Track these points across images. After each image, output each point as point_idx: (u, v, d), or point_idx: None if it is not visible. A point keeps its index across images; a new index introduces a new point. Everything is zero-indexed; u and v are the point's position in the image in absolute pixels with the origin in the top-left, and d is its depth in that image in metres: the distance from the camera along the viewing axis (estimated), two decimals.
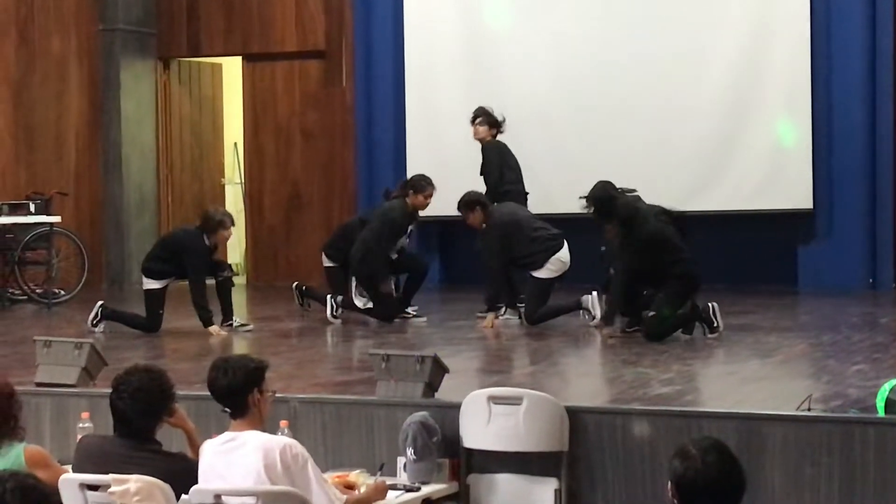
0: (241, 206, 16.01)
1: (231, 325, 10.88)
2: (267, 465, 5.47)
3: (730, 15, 13.62)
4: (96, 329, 10.81)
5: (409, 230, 11.53)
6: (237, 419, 5.62)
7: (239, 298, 13.83)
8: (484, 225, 10.92)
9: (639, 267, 9.84)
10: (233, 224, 11.05)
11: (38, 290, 13.33)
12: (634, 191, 10.21)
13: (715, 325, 9.82)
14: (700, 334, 9.93)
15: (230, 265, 11.52)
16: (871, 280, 13.34)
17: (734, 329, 10.18)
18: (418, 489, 6.46)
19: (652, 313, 9.72)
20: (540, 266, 10.72)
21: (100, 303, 11.08)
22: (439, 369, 7.11)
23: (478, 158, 11.98)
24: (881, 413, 6.36)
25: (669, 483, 4.30)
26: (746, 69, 13.53)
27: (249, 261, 16.00)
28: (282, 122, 15.63)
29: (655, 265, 9.80)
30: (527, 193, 11.86)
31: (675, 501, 4.28)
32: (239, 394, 5.60)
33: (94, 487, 5.45)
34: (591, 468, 6.61)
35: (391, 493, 6.19)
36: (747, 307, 11.68)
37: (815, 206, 13.45)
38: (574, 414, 6.64)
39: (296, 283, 12.54)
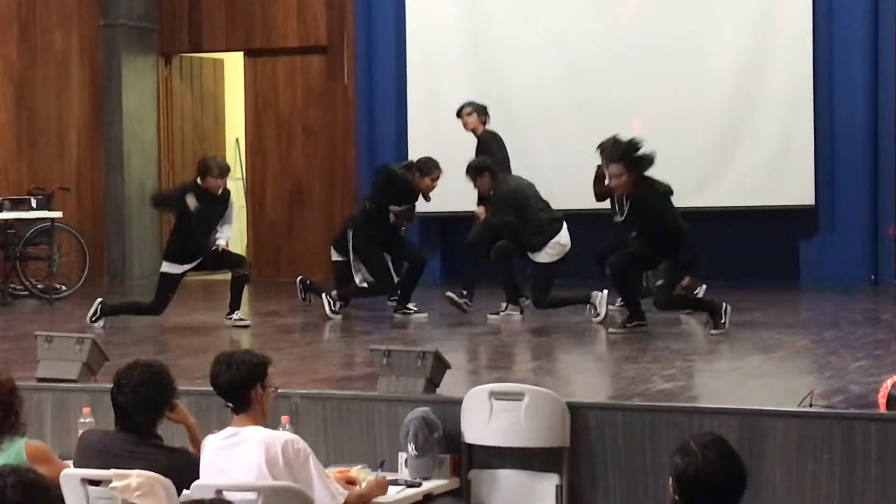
0: (243, 201, 16.01)
1: (230, 318, 10.88)
2: (269, 460, 5.47)
3: (732, 11, 13.61)
4: (96, 325, 10.81)
5: (408, 206, 11.48)
6: (239, 414, 5.63)
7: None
8: (492, 192, 10.93)
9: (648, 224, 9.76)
10: (221, 175, 10.91)
11: (39, 286, 13.33)
12: None
13: (722, 321, 9.80)
14: (702, 327, 9.92)
15: (249, 263, 11.43)
16: (872, 276, 13.33)
17: (736, 325, 10.17)
18: (419, 485, 6.47)
19: (660, 282, 9.79)
20: (539, 249, 10.70)
21: (99, 300, 11.09)
22: (441, 365, 7.11)
23: (475, 154, 11.98)
24: None
25: (670, 479, 4.30)
26: (748, 65, 13.52)
27: (251, 256, 15.99)
28: (283, 117, 15.63)
29: (658, 229, 9.75)
30: None
31: (677, 497, 4.28)
32: (242, 389, 5.60)
33: (95, 482, 5.45)
34: (592, 464, 6.61)
35: (392, 489, 6.19)
36: (749, 303, 11.66)
37: (817, 202, 13.44)
38: (575, 410, 6.64)
39: (300, 277, 12.53)
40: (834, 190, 13.42)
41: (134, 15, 15.58)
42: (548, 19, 14.10)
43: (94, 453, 5.64)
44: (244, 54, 15.82)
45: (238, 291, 10.97)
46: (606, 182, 10.12)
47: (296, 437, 5.66)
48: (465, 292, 11.16)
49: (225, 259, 11.16)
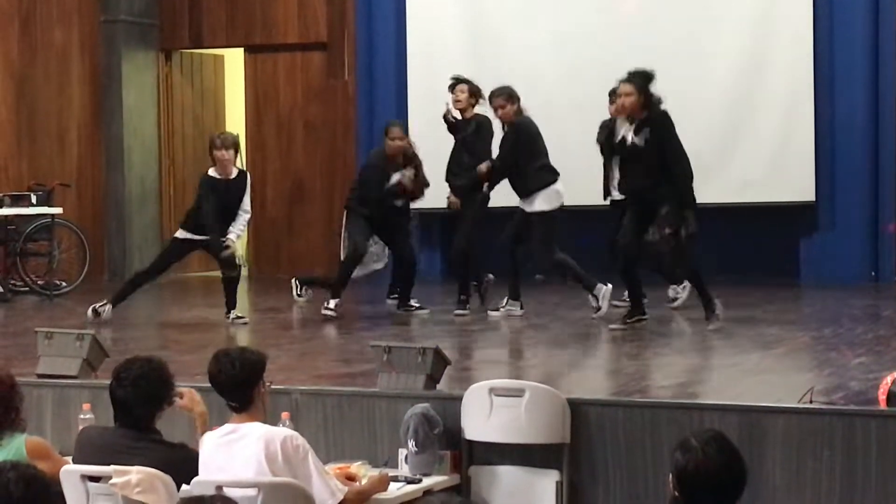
0: None
1: (229, 316, 10.87)
2: (268, 456, 5.48)
3: (733, 8, 13.61)
4: (104, 314, 10.81)
5: (397, 176, 11.40)
6: (241, 413, 5.63)
7: (240, 290, 13.80)
8: (511, 122, 10.84)
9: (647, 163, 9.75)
10: (224, 145, 10.84)
11: (39, 282, 13.33)
12: None
13: (715, 311, 9.79)
14: (701, 319, 9.94)
15: (240, 264, 11.41)
16: (873, 273, 13.33)
17: (736, 321, 10.18)
18: (419, 481, 6.47)
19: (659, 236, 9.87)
20: (534, 192, 10.69)
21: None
22: (441, 361, 7.11)
23: None
24: None
25: (671, 475, 4.30)
26: (749, 63, 13.51)
27: (251, 253, 16.00)
28: (284, 114, 15.63)
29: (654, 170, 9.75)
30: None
31: (677, 494, 4.28)
32: (244, 388, 5.61)
33: (95, 479, 5.46)
34: (592, 460, 6.61)
35: (392, 485, 6.20)
36: (749, 300, 11.67)
37: (818, 198, 13.44)
38: (576, 406, 6.64)
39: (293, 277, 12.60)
40: (834, 186, 13.42)
41: (134, 11, 15.58)
42: (548, 18, 14.10)
43: (93, 450, 5.64)
44: (244, 51, 15.82)
45: (230, 291, 10.94)
46: (617, 102, 10.06)
47: (295, 433, 5.67)
48: (463, 297, 11.12)
49: (215, 251, 11.06)
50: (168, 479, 5.41)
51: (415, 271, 11.49)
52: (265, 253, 15.77)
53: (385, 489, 6.06)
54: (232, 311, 10.86)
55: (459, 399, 6.79)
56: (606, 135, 10.37)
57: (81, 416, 6.49)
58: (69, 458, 5.80)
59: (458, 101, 11.43)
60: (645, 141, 9.72)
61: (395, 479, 6.35)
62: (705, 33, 13.63)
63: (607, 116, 11.43)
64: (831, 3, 13.35)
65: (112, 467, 5.38)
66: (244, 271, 15.85)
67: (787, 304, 12.05)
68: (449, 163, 11.50)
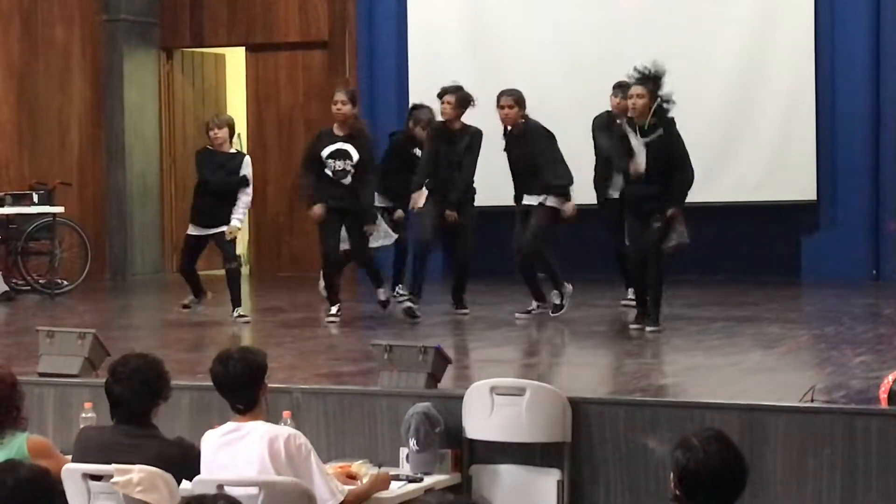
0: None
1: (233, 314, 10.87)
2: (272, 454, 5.49)
3: (734, 7, 13.61)
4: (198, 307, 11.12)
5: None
6: (246, 413, 5.63)
7: (242, 288, 13.84)
8: (522, 120, 10.62)
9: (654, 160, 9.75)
10: (218, 126, 11.06)
11: (41, 281, 13.33)
12: None
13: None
14: (702, 319, 9.94)
15: (238, 255, 11.44)
16: (874, 271, 13.33)
17: (737, 320, 10.18)
18: (421, 480, 6.47)
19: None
20: (550, 193, 10.49)
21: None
22: (442, 360, 7.11)
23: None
24: None
25: (672, 474, 4.31)
26: (751, 61, 13.51)
27: (252, 251, 16.01)
28: (285, 112, 15.63)
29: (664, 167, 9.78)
30: None
31: (678, 492, 4.29)
32: (250, 389, 5.62)
33: (97, 477, 5.46)
34: (593, 459, 6.62)
35: (394, 484, 6.20)
36: (750, 298, 11.68)
37: (819, 197, 13.44)
38: (577, 405, 6.65)
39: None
40: (836, 185, 13.42)
41: (135, 10, 15.58)
42: (549, 16, 14.10)
43: (92, 449, 5.64)
44: (245, 49, 15.82)
45: (234, 285, 10.92)
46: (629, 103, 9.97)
47: (298, 432, 5.67)
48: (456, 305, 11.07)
49: (223, 246, 11.09)
50: (169, 477, 5.41)
51: (402, 261, 11.52)
52: (266, 251, 15.77)
53: (386, 488, 6.07)
54: (237, 309, 10.86)
55: (460, 398, 6.79)
56: (621, 136, 10.23)
57: (83, 415, 6.49)
58: (70, 457, 5.80)
59: (445, 112, 11.01)
60: (652, 146, 9.74)
61: (397, 477, 6.35)
62: (707, 32, 13.63)
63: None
64: (832, 1, 13.34)
65: (113, 466, 5.39)
66: (244, 269, 15.93)
67: (789, 302, 12.05)
68: (437, 173, 10.92)
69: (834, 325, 10.06)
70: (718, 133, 13.53)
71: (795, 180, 13.42)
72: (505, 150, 10.78)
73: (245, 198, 10.97)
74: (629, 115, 9.96)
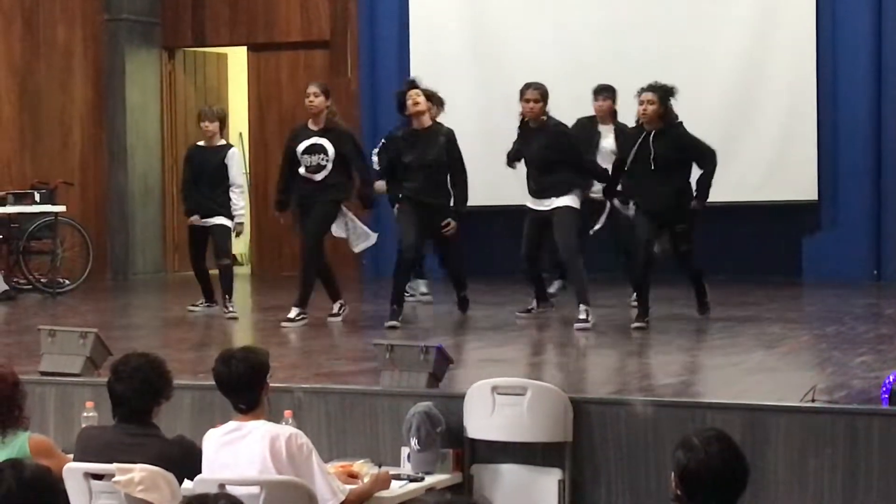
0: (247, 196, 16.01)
1: (226, 309, 11.00)
2: (273, 453, 5.49)
3: (735, 6, 13.61)
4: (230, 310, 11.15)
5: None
6: (248, 413, 5.64)
7: (244, 288, 13.86)
8: (544, 118, 10.49)
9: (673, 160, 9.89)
10: (208, 117, 11.38)
11: (42, 280, 13.34)
12: None
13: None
14: (701, 319, 9.95)
15: (230, 255, 11.56)
16: (875, 271, 13.33)
17: (738, 320, 10.18)
18: (422, 479, 6.48)
19: (684, 248, 10.04)
20: (566, 193, 10.30)
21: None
22: (443, 359, 7.12)
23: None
24: None
25: (673, 474, 4.31)
26: (752, 61, 13.51)
27: (254, 251, 16.01)
28: (286, 112, 15.62)
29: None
30: None
31: (679, 492, 4.29)
32: (252, 388, 5.62)
33: (98, 477, 5.47)
34: (594, 459, 6.62)
35: (395, 483, 6.21)
36: (752, 298, 11.68)
37: (820, 197, 13.44)
38: (578, 404, 6.65)
39: None
40: (837, 185, 13.42)
41: (137, 9, 15.58)
42: (550, 17, 14.10)
43: (93, 449, 5.64)
44: (247, 49, 15.83)
45: (225, 282, 11.13)
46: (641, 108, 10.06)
47: (299, 431, 5.68)
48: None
49: (215, 239, 11.29)
50: (171, 476, 5.42)
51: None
52: (268, 250, 15.77)
53: (387, 487, 6.07)
54: (228, 304, 10.94)
55: (462, 397, 6.80)
56: (630, 143, 10.22)
57: (84, 414, 6.50)
58: (72, 456, 5.80)
59: (417, 103, 10.31)
60: (668, 147, 9.90)
61: (398, 477, 6.36)
62: (707, 32, 13.63)
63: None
64: (833, 1, 13.34)
65: (115, 465, 5.39)
66: (245, 269, 15.96)
67: (790, 302, 12.05)
68: (417, 178, 10.38)
69: (835, 325, 10.06)
70: (719, 133, 13.47)
71: (796, 180, 13.42)
72: (518, 143, 10.64)
73: (237, 189, 11.28)
74: (639, 120, 10.06)
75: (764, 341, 9.23)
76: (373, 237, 10.84)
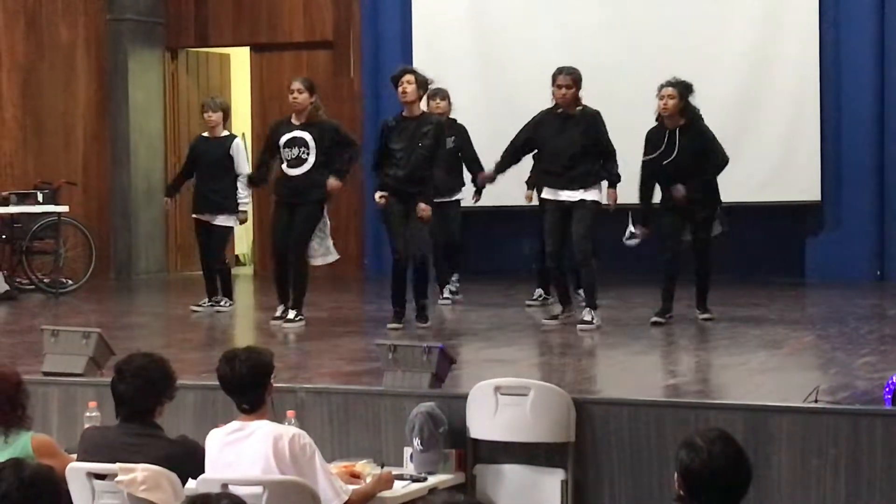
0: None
1: (220, 302, 11.37)
2: (276, 453, 5.49)
3: (739, 7, 13.61)
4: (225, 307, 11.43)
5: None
6: (252, 413, 5.63)
7: (246, 288, 13.88)
8: (579, 108, 10.20)
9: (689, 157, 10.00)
10: (211, 108, 11.56)
11: (45, 280, 13.34)
12: None
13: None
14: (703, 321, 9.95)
15: (224, 261, 11.75)
16: (878, 272, 13.33)
17: (741, 321, 10.18)
18: (424, 479, 6.47)
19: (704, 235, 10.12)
20: (593, 186, 10.08)
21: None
22: (446, 360, 7.12)
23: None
24: None
25: (676, 474, 4.31)
26: (755, 61, 13.52)
27: (257, 251, 16.01)
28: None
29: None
30: None
31: (682, 492, 4.29)
32: (256, 388, 5.62)
33: (101, 476, 5.46)
34: (597, 459, 6.62)
35: (397, 484, 6.21)
36: (755, 299, 11.67)
37: (823, 197, 13.44)
38: (581, 405, 6.64)
39: None
40: (840, 186, 13.42)
41: (140, 9, 15.59)
42: (553, 16, 14.11)
43: (96, 449, 5.65)
44: (250, 49, 15.84)
45: (224, 286, 11.46)
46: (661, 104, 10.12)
47: (302, 432, 5.68)
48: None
49: (213, 239, 11.51)
50: (173, 476, 5.42)
51: None
52: (269, 250, 15.75)
53: (389, 487, 6.07)
54: (224, 299, 11.18)
55: (464, 398, 6.79)
56: (655, 142, 10.19)
57: (87, 414, 6.50)
58: (75, 456, 5.80)
59: (405, 92, 10.05)
60: (690, 143, 10.05)
61: (401, 477, 6.36)
62: (712, 32, 13.63)
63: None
64: (837, 2, 13.34)
65: (118, 465, 5.39)
66: (248, 269, 15.97)
67: (793, 303, 12.05)
68: (401, 165, 10.12)
69: (838, 326, 10.06)
70: (722, 134, 13.43)
71: (800, 181, 13.42)
72: (530, 132, 10.28)
73: (240, 185, 11.46)
74: (659, 116, 10.08)
75: (767, 341, 9.23)
76: (333, 257, 10.66)
